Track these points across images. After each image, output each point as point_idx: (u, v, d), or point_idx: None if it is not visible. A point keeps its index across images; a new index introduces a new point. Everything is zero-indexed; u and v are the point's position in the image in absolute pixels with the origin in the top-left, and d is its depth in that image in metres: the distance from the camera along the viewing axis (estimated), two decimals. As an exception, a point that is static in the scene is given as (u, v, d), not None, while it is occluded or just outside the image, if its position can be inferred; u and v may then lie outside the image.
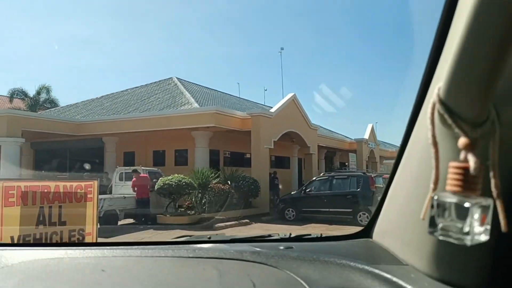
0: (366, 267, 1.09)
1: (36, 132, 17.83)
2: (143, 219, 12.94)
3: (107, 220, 11.53)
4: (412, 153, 0.98)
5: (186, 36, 63.96)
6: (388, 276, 1.02)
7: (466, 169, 0.62)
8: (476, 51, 0.59)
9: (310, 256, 1.19)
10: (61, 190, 5.36)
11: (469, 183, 0.62)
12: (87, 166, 15.76)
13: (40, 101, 29.48)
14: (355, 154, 27.49)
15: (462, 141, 0.65)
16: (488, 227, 0.62)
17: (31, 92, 29.66)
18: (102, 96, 24.52)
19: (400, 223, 1.10)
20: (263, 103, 29.02)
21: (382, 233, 1.27)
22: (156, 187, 13.35)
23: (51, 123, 18.57)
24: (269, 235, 1.60)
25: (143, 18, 59.00)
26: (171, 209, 13.75)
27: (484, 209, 0.61)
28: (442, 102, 0.68)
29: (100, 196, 8.16)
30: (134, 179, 13.05)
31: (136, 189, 12.88)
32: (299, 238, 1.57)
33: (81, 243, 1.99)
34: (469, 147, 0.64)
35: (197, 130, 16.83)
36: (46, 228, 5.15)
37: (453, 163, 0.63)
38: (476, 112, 0.66)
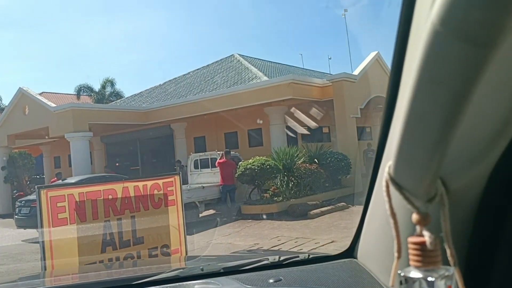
0: None
1: (105, 125, 16.96)
2: (225, 210, 11.43)
3: (187, 215, 10.09)
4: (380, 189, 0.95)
5: (241, 13, 62.07)
6: None
7: (423, 244, 0.63)
8: (420, 130, 0.59)
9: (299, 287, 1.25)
10: (132, 194, 3.69)
11: (428, 257, 0.62)
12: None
13: (106, 95, 29.29)
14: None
15: (415, 217, 0.66)
16: None
17: (96, 87, 29.56)
18: (165, 82, 23.34)
19: (380, 247, 1.10)
20: (329, 73, 26.47)
21: (364, 254, 1.29)
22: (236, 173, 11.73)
23: (117, 113, 17.66)
24: (259, 260, 1.57)
25: (195, 4, 58.01)
26: (255, 197, 12.09)
27: (448, 278, 0.62)
28: (392, 179, 0.70)
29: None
30: (221, 160, 11.64)
31: (221, 175, 11.43)
32: (288, 263, 1.56)
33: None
34: (422, 222, 0.65)
35: (271, 106, 14.99)
36: (117, 252, 3.51)
37: (411, 239, 0.64)
38: (425, 188, 0.67)
